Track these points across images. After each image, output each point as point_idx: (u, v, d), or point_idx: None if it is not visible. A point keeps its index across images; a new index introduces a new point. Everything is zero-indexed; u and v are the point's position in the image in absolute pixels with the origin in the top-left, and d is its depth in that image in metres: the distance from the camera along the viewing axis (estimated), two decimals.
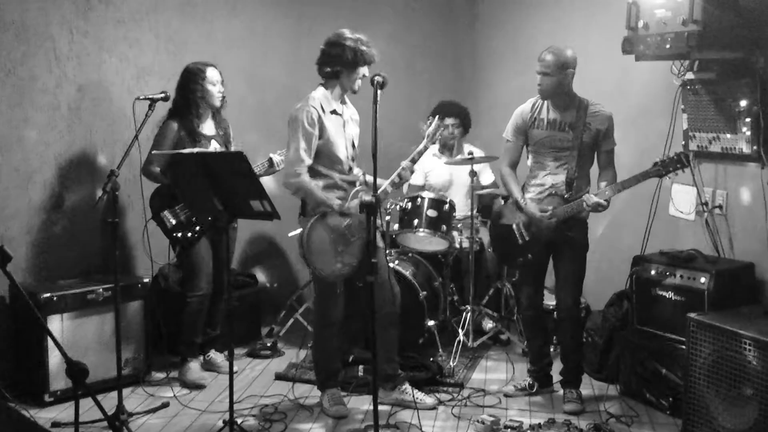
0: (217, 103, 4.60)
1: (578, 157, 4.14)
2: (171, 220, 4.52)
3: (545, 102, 4.22)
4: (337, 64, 3.97)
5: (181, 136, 4.50)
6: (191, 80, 4.51)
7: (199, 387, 4.54)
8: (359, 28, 4.07)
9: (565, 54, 4.08)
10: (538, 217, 4.15)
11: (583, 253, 4.24)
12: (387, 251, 4.52)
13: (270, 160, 4.65)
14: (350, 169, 4.12)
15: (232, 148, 4.70)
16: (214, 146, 4.59)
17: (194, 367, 4.64)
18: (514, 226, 4.29)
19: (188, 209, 4.48)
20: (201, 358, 4.78)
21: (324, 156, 4.00)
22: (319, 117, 3.95)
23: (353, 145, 4.15)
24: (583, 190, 4.17)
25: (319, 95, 4.02)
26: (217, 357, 4.83)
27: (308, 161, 3.96)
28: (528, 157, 4.34)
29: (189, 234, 4.53)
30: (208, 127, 4.63)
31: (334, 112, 4.02)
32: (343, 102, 4.12)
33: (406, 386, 4.25)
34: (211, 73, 4.54)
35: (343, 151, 4.05)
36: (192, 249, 4.57)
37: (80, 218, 4.79)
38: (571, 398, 4.23)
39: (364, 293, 3.77)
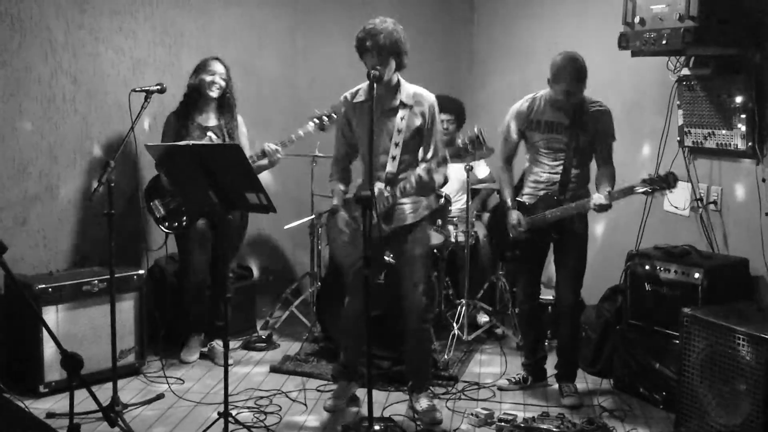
0: (213, 93, 4.61)
1: (575, 158, 4.11)
2: (160, 209, 4.62)
3: (542, 101, 4.18)
4: None
5: (179, 127, 4.58)
6: (194, 72, 4.64)
7: (184, 363, 4.68)
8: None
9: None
10: (512, 225, 4.20)
11: (584, 246, 4.24)
12: (389, 254, 4.39)
13: (263, 150, 4.56)
14: (385, 164, 3.86)
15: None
16: (210, 137, 4.59)
17: (192, 345, 4.76)
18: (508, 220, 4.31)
19: (183, 202, 4.49)
20: (202, 337, 4.86)
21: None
22: (344, 111, 3.94)
23: (390, 136, 3.86)
24: (580, 190, 4.16)
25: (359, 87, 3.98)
26: (218, 347, 4.83)
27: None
28: (526, 153, 4.33)
29: (176, 224, 4.60)
30: (208, 119, 4.66)
31: (360, 100, 3.91)
32: (396, 90, 3.89)
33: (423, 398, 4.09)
34: (212, 64, 4.62)
35: (365, 141, 3.72)
36: (184, 238, 4.62)
37: (75, 209, 4.78)
38: (570, 392, 4.23)
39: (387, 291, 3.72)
